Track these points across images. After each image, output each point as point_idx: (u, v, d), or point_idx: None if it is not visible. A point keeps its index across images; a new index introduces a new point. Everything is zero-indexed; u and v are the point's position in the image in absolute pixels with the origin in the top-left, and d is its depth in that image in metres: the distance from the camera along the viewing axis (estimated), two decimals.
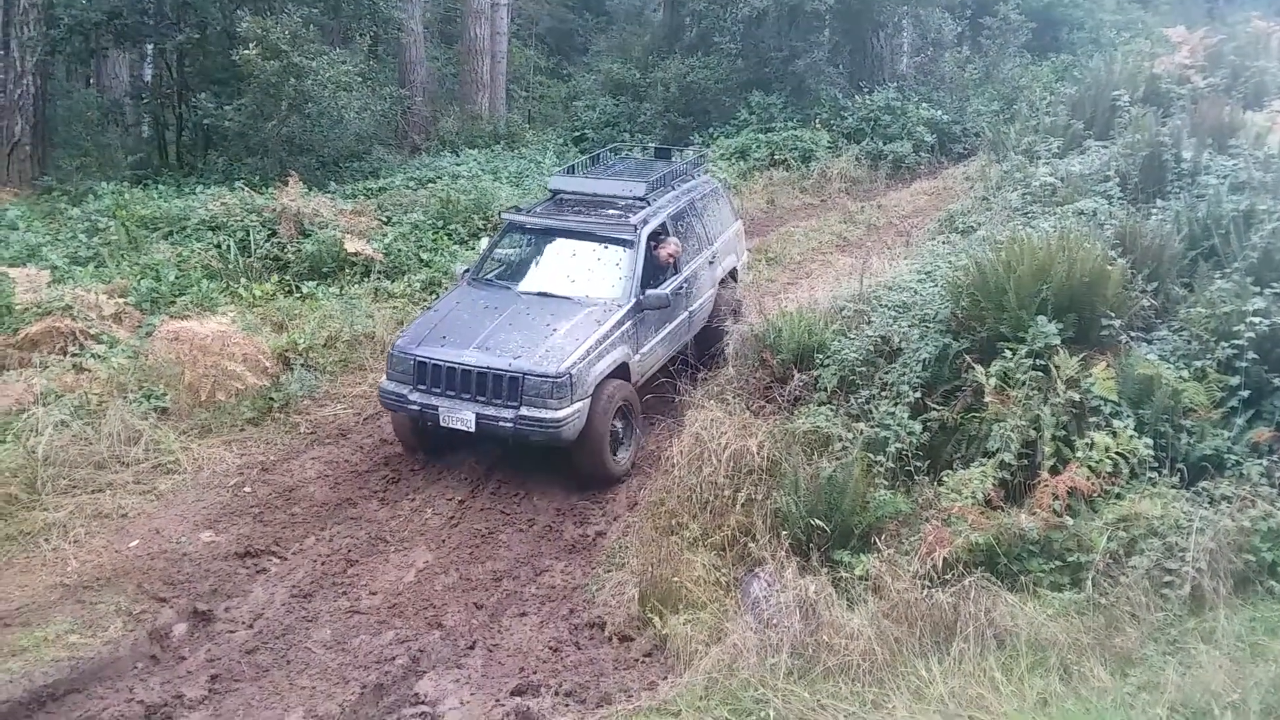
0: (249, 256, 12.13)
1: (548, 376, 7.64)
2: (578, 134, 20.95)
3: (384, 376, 8.28)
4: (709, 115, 20.11)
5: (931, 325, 7.66)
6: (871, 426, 7.18)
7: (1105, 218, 8.12)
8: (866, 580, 6.01)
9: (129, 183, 14.79)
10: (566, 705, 5.45)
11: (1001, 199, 10.27)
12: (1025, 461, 6.46)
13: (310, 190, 13.94)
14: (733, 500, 7.04)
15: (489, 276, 9.27)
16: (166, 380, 8.94)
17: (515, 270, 9.41)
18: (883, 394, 7.45)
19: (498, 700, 5.63)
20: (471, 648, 6.33)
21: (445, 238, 13.22)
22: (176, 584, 6.84)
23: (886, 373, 7.59)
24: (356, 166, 17.42)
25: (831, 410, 7.57)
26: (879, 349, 7.88)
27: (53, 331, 9.40)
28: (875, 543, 6.32)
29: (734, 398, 8.23)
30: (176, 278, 11.20)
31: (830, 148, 18.52)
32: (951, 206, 12.26)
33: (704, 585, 6.50)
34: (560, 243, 9.21)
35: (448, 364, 7.84)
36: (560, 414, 7.66)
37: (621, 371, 8.40)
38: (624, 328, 8.43)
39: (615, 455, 8.33)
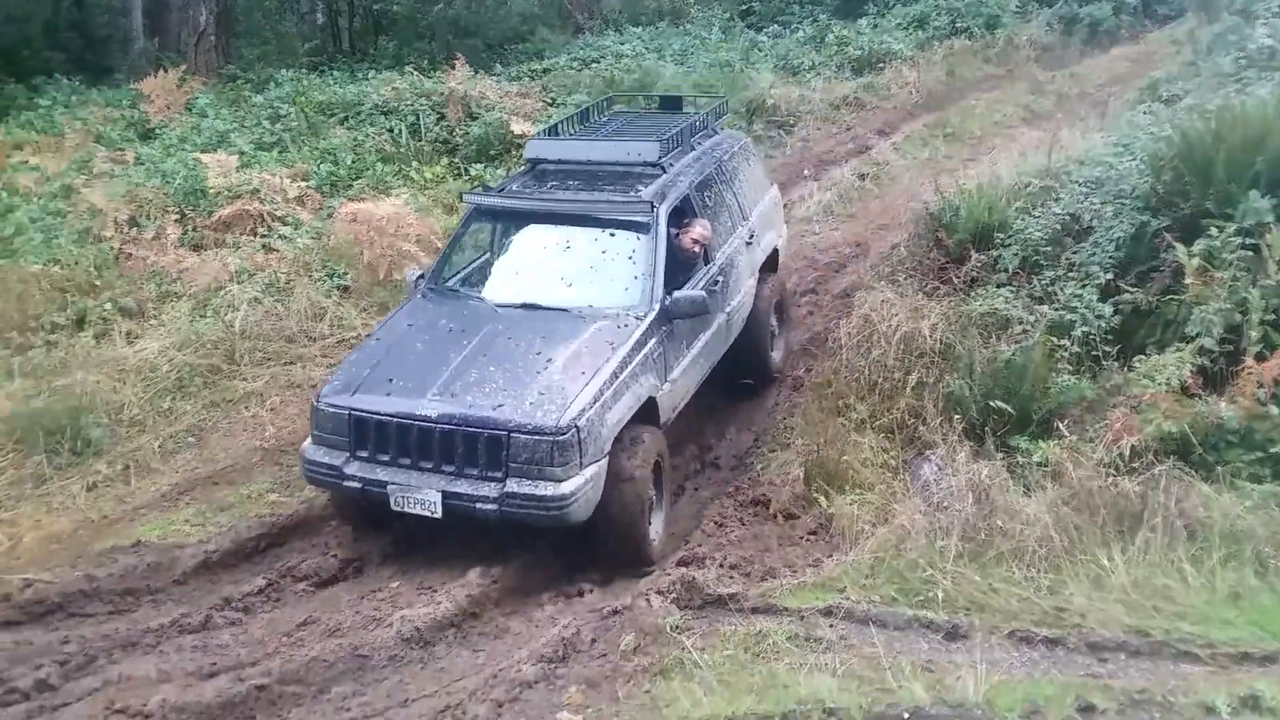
0: (419, 140, 12.40)
1: (545, 433, 5.33)
2: (744, 7, 20.19)
3: (308, 440, 5.98)
4: None
5: (1128, 201, 7.16)
6: (1056, 309, 6.83)
7: None
8: (1045, 467, 5.78)
9: (306, 70, 15.30)
10: (731, 578, 5.51)
11: (1212, 64, 9.39)
12: (1228, 348, 6.03)
13: (476, 73, 14.09)
14: (902, 383, 6.86)
15: (452, 285, 6.85)
16: (347, 260, 9.33)
17: (488, 274, 6.94)
18: (1069, 275, 7.07)
19: (664, 570, 5.76)
20: None
21: None
22: None
23: (1074, 252, 7.18)
24: (521, 48, 17.44)
25: (1011, 292, 7.23)
26: (1067, 228, 7.45)
27: (243, 214, 9.91)
28: (1057, 429, 6.05)
29: (905, 279, 7.97)
30: (353, 162, 11.57)
31: (1018, 13, 17.30)
32: (1155, 74, 11.30)
33: (871, 467, 6.40)
34: (548, 232, 6.78)
35: (397, 419, 5.57)
36: (566, 487, 5.33)
37: (647, 412, 6.04)
38: (647, 348, 6.03)
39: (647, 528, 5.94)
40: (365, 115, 12.91)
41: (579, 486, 5.37)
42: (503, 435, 5.38)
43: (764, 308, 7.67)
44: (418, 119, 12.66)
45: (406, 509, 5.52)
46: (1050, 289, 7.07)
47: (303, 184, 10.71)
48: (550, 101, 13.64)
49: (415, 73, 13.93)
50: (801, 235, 10.54)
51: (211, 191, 10.17)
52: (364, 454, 5.64)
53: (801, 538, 6.08)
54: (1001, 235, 7.70)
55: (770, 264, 8.11)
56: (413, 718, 4.47)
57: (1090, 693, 4.25)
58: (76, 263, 8.73)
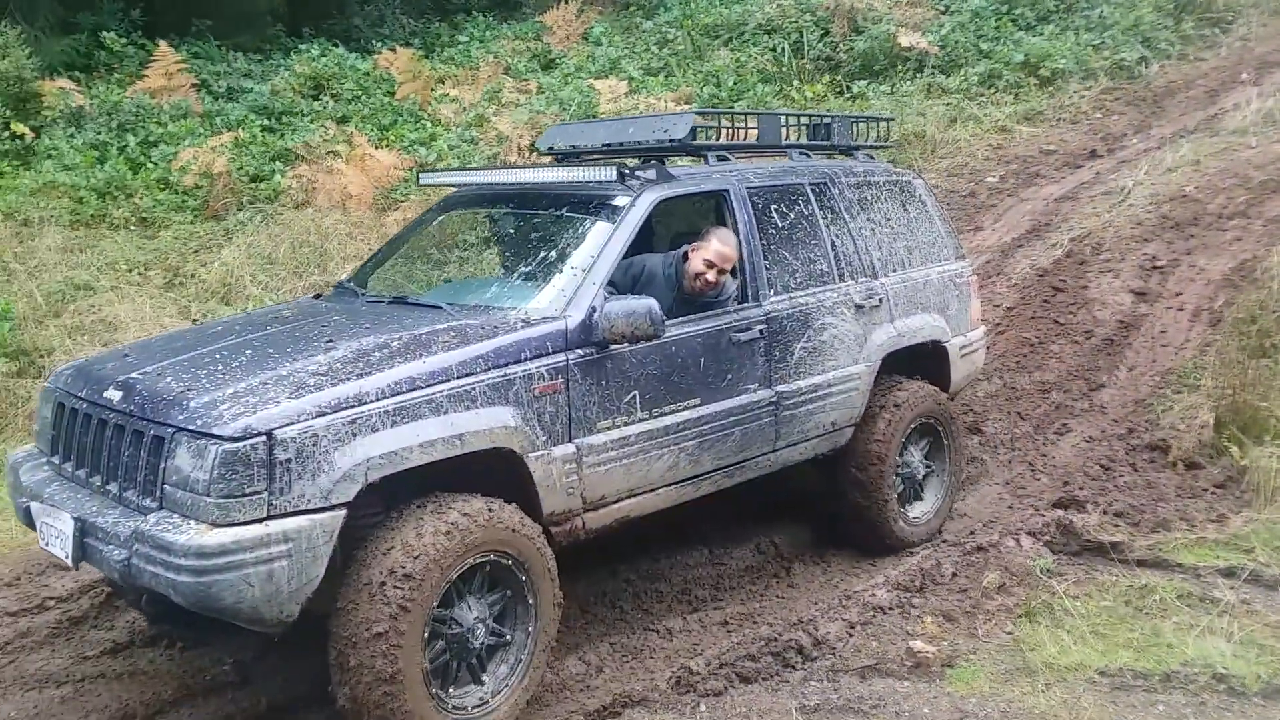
0: (801, 58, 12.23)
1: (211, 437, 3.20)
2: None
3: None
4: None
5: None
6: None
7: None
8: None
9: None
10: (1115, 525, 5.02)
11: None
12: None
13: None
14: None
15: (349, 283, 5.08)
16: None
17: (408, 272, 5.42)
18: None
19: (1037, 509, 5.37)
20: (1011, 457, 6.10)
21: (1009, 24, 12.13)
22: None
23: None
24: None
25: None
26: None
27: None
28: None
29: None
30: (734, 83, 11.68)
31: None
32: None
33: None
34: (509, 220, 5.14)
35: (86, 404, 3.80)
36: (213, 539, 3.09)
37: (501, 481, 3.73)
38: (521, 370, 3.75)
39: (446, 696, 3.49)
40: (749, 35, 12.96)
41: (240, 545, 3.09)
42: (166, 434, 3.34)
43: (887, 426, 5.07)
44: (801, 36, 12.49)
45: (47, 544, 3.68)
46: None
47: (686, 106, 10.99)
48: (943, 9, 12.85)
49: None
50: (1234, 149, 9.23)
51: (602, 117, 10.73)
52: (56, 458, 3.95)
53: (1205, 489, 5.46)
54: None
55: (929, 368, 5.47)
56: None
57: None
58: None
